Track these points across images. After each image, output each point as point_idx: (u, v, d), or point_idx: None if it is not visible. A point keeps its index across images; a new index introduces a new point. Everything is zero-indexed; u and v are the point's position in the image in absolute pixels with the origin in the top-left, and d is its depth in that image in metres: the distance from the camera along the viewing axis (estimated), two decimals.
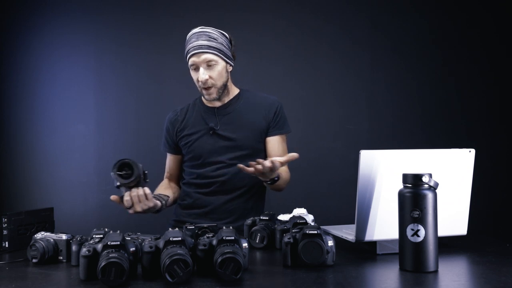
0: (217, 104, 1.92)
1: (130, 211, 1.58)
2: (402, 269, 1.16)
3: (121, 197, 1.57)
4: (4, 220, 1.47)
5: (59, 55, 2.97)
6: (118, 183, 1.51)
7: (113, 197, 1.56)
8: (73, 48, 2.97)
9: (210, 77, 1.80)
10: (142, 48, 2.96)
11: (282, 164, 1.60)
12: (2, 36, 2.97)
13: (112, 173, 1.49)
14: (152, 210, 1.66)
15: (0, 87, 2.97)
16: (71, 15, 2.97)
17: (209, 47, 1.77)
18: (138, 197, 1.54)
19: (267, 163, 1.56)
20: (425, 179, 1.13)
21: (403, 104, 2.94)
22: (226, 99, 1.92)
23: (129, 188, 1.54)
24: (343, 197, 2.50)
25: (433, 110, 2.93)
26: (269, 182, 1.70)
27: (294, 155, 1.57)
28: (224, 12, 2.91)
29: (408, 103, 2.94)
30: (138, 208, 1.56)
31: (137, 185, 1.54)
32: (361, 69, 2.95)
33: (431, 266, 1.13)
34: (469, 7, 2.93)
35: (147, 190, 1.56)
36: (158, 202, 1.68)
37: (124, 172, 1.49)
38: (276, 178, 1.69)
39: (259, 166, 1.56)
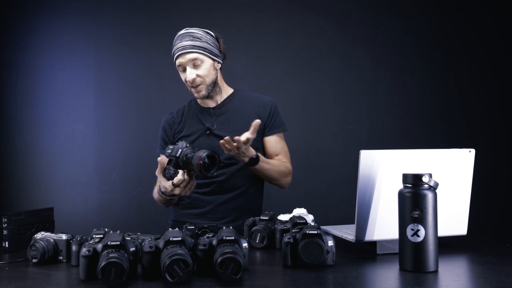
0: (212, 104, 1.93)
1: (169, 187, 1.61)
2: (402, 269, 1.16)
3: (166, 167, 1.61)
4: (4, 220, 1.47)
5: (59, 55, 2.97)
6: (178, 158, 1.54)
7: (161, 159, 1.61)
8: (73, 48, 2.97)
9: (198, 75, 1.82)
10: (142, 48, 2.96)
11: (248, 138, 1.63)
12: (2, 36, 2.97)
13: (197, 162, 1.50)
14: (172, 199, 1.75)
15: (0, 87, 2.97)
16: (71, 15, 2.97)
17: (193, 46, 1.79)
18: (187, 184, 1.61)
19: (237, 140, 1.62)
20: (425, 179, 1.14)
21: (403, 104, 2.94)
22: (220, 99, 1.93)
23: (180, 168, 1.58)
24: (343, 197, 2.51)
25: (433, 110, 2.93)
26: (249, 162, 1.73)
27: (256, 121, 1.64)
28: (224, 12, 2.91)
29: (408, 103, 2.94)
30: (179, 191, 1.61)
31: (189, 173, 1.60)
32: (361, 69, 2.95)
33: (431, 266, 1.13)
34: (469, 7, 2.93)
35: (195, 184, 1.63)
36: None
37: (207, 162, 1.52)
38: (254, 157, 1.72)
39: (227, 146, 1.63)
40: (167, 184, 1.61)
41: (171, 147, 1.57)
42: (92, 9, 2.96)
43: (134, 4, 2.97)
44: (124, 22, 2.97)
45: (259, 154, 1.76)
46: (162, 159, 1.62)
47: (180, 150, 1.55)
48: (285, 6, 2.96)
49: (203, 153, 1.50)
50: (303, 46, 2.95)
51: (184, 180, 1.58)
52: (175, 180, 1.59)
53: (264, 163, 1.80)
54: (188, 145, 1.57)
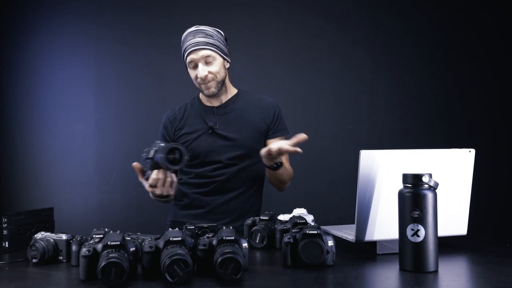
0: (216, 103, 1.92)
1: (149, 189, 1.60)
2: (402, 269, 1.16)
3: (143, 170, 1.59)
4: (4, 220, 1.47)
5: (59, 55, 2.97)
6: (153, 159, 1.52)
7: (135, 164, 1.60)
8: (73, 48, 2.97)
9: (210, 72, 1.80)
10: (142, 48, 2.96)
11: (289, 148, 1.61)
12: (2, 36, 2.97)
13: (161, 156, 1.49)
14: (165, 199, 1.70)
15: (0, 87, 2.97)
16: (71, 15, 2.97)
17: (207, 43, 1.78)
18: (164, 181, 1.57)
19: (274, 147, 1.61)
20: (425, 179, 1.13)
21: (403, 104, 2.94)
22: (224, 98, 1.92)
23: (159, 168, 1.56)
24: (343, 197, 2.50)
25: (433, 110, 2.93)
26: (274, 166, 1.74)
27: (303, 136, 1.60)
28: (224, 12, 2.91)
29: (408, 103, 2.94)
30: (159, 190, 1.58)
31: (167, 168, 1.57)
32: (361, 69, 2.95)
33: (431, 266, 1.13)
34: (469, 7, 2.93)
35: (174, 178, 1.59)
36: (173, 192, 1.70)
37: (171, 156, 1.50)
38: (279, 163, 1.74)
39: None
40: (146, 186, 1.61)
41: (146, 150, 1.56)
42: (92, 9, 2.96)
43: (134, 4, 2.97)
44: (124, 22, 2.97)
45: (282, 161, 1.78)
46: (136, 164, 1.60)
47: (152, 151, 1.53)
48: (285, 6, 2.96)
49: (165, 148, 1.49)
50: (303, 46, 2.95)
51: (158, 179, 1.56)
52: (150, 180, 1.57)
53: (283, 169, 1.81)
54: (162, 144, 1.54)
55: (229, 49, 1.90)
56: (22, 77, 2.97)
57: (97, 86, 2.97)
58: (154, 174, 1.56)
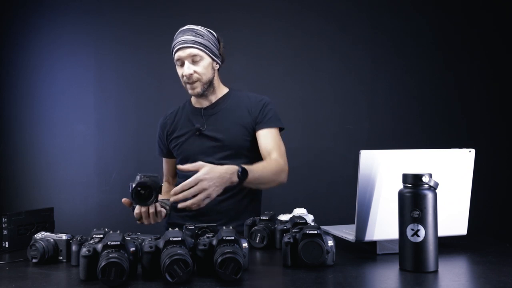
0: (205, 103, 1.91)
1: (138, 222, 1.59)
2: (402, 269, 1.16)
3: (132, 204, 1.56)
4: (4, 220, 1.47)
5: (59, 55, 2.97)
6: (134, 200, 1.50)
7: (124, 200, 1.56)
8: (73, 48, 2.97)
9: (195, 71, 1.79)
10: (142, 48, 2.96)
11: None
12: (2, 36, 2.97)
13: (131, 190, 1.47)
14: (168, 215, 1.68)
15: (0, 87, 2.97)
16: (71, 15, 2.97)
17: (195, 42, 1.77)
18: (148, 213, 1.55)
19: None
20: (425, 179, 1.13)
21: (403, 104, 2.94)
22: (214, 99, 1.91)
23: None
24: (343, 197, 2.50)
25: (433, 110, 2.93)
26: (240, 178, 1.58)
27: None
28: (224, 12, 2.91)
29: (408, 103, 2.94)
30: (146, 222, 1.57)
31: None
32: (361, 69, 2.95)
33: (431, 266, 1.13)
34: (469, 7, 2.93)
35: (158, 207, 1.56)
36: (164, 211, 1.67)
37: (143, 191, 1.48)
38: (240, 169, 1.57)
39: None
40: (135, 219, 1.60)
41: (130, 183, 1.51)
42: (92, 9, 2.96)
43: (134, 4, 2.97)
44: (124, 22, 2.97)
45: (242, 165, 1.61)
46: (124, 200, 1.57)
47: (133, 184, 1.48)
48: (285, 6, 2.96)
49: (133, 184, 1.46)
50: (303, 46, 2.95)
51: (140, 212, 1.55)
52: (135, 214, 1.57)
53: (254, 172, 1.63)
54: (142, 176, 1.49)
55: (223, 51, 1.88)
56: (22, 77, 2.97)
57: (97, 86, 2.97)
58: (137, 208, 1.55)
